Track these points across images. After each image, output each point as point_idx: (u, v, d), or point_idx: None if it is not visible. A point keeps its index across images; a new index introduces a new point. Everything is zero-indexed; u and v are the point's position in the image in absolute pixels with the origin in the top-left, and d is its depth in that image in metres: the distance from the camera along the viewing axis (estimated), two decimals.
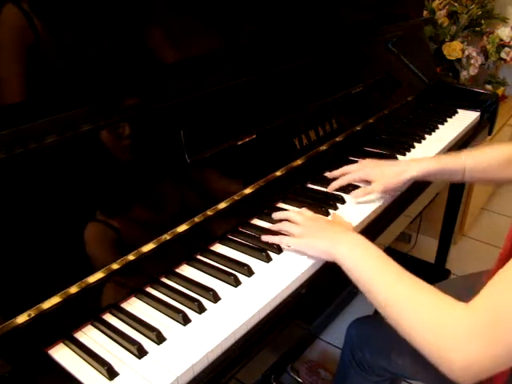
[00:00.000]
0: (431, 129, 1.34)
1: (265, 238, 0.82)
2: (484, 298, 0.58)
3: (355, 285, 0.70)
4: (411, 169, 0.94)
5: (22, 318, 0.60)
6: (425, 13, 1.88)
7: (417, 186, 1.03)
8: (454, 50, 1.93)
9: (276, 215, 0.88)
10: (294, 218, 0.83)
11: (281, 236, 0.81)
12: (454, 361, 0.57)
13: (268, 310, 0.70)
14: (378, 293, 0.66)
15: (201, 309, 0.69)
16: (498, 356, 0.55)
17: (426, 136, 1.30)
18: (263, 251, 0.80)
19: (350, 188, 0.98)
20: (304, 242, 0.78)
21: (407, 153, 1.19)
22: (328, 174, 1.04)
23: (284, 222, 0.84)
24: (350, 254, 0.71)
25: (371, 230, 0.92)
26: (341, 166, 1.10)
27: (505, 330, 0.54)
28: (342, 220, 0.86)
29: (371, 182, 0.96)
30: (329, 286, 0.82)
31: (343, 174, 1.00)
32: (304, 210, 0.87)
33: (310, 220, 0.81)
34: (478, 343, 0.55)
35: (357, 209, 0.93)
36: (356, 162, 1.14)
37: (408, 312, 0.62)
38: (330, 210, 0.92)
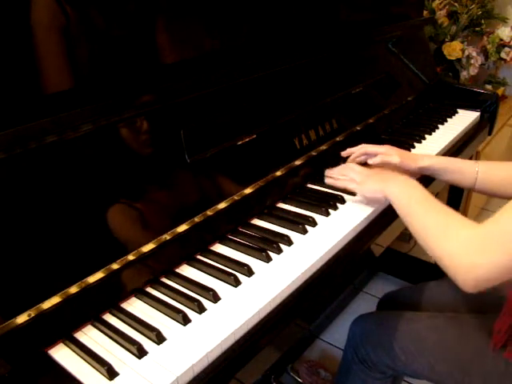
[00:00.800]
0: (431, 129, 1.34)
1: (329, 181, 0.99)
2: (493, 218, 0.68)
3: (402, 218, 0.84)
4: (427, 159, 1.01)
5: (22, 318, 0.60)
6: (425, 13, 1.88)
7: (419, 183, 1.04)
8: (454, 50, 1.93)
9: (334, 171, 1.00)
10: (352, 170, 0.96)
11: (343, 181, 0.96)
12: (460, 264, 0.69)
13: (268, 310, 0.70)
14: (416, 222, 0.79)
15: (201, 309, 0.69)
16: (500, 264, 0.65)
17: (426, 136, 1.30)
18: (263, 251, 0.80)
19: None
20: (363, 185, 0.91)
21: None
22: (344, 153, 1.08)
23: (346, 172, 0.96)
24: (400, 191, 0.84)
25: (371, 229, 0.92)
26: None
27: (508, 240, 0.65)
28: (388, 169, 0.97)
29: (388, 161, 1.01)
30: (329, 285, 0.81)
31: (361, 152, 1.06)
32: (353, 164, 1.00)
33: (364, 170, 0.95)
34: (483, 251, 0.67)
35: (357, 209, 0.93)
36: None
37: (433, 234, 0.75)
38: (330, 210, 0.92)
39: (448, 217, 0.76)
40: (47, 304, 0.63)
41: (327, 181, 1.00)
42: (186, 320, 0.67)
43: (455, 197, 1.70)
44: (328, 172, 1.02)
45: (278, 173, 0.97)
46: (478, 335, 0.87)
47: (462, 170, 0.97)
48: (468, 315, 0.95)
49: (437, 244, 0.74)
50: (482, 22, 2.06)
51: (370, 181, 0.91)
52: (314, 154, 1.06)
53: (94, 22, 0.72)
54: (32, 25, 0.64)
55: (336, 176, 0.99)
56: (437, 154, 1.18)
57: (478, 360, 0.85)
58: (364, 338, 1.00)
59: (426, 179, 1.10)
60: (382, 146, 1.04)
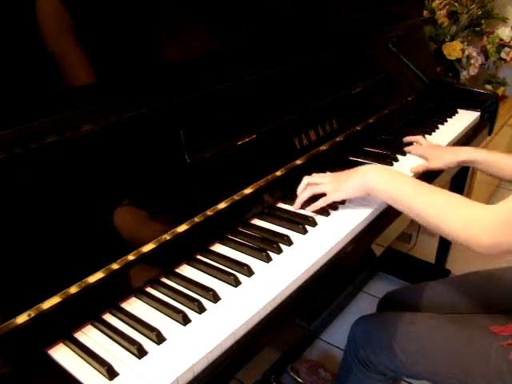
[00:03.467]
0: (431, 129, 1.34)
1: (310, 208, 0.90)
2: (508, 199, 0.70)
3: (392, 206, 0.84)
4: (464, 153, 1.09)
5: (21, 318, 0.60)
6: (425, 13, 1.88)
7: None
8: (454, 49, 1.93)
9: (301, 187, 0.94)
10: (318, 180, 0.92)
11: (321, 199, 0.90)
12: (482, 241, 0.71)
13: (268, 310, 0.70)
14: (418, 205, 0.78)
15: (201, 309, 0.69)
16: None
17: (427, 136, 1.29)
18: (263, 251, 0.80)
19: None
20: (340, 191, 0.89)
21: (407, 153, 1.19)
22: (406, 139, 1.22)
23: (313, 186, 0.92)
24: (380, 178, 0.84)
25: (372, 229, 0.92)
26: (341, 166, 1.12)
27: None
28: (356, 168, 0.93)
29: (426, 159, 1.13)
30: (329, 285, 0.81)
31: (415, 140, 1.20)
32: (319, 174, 0.96)
33: (332, 176, 0.93)
34: (503, 228, 0.69)
35: (357, 209, 0.93)
36: (356, 161, 1.15)
37: (446, 214, 0.75)
38: (330, 210, 0.92)
39: (444, 192, 0.78)
40: (47, 304, 0.63)
41: (296, 206, 0.93)
42: (185, 320, 0.67)
43: None
44: (298, 200, 0.94)
45: (278, 173, 0.97)
46: (479, 335, 0.87)
47: (501, 162, 1.05)
48: (468, 315, 0.95)
49: (453, 226, 0.74)
50: (482, 22, 2.06)
51: (342, 184, 0.89)
52: (314, 153, 1.06)
53: (95, 22, 0.72)
54: (33, 24, 0.64)
55: (305, 197, 0.92)
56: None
57: (480, 360, 0.85)
58: (364, 339, 1.00)
59: (428, 176, 1.10)
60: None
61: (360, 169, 0.89)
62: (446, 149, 1.18)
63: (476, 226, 0.71)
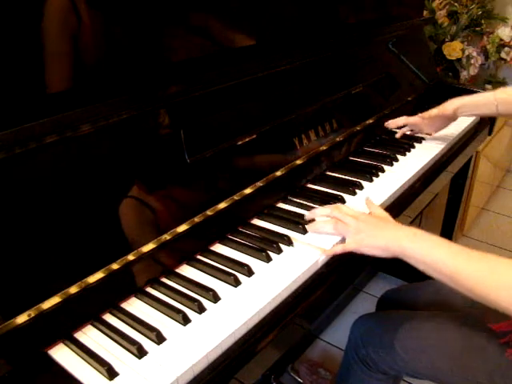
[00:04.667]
0: None
1: (333, 250, 0.80)
2: None
3: (423, 271, 0.74)
4: (448, 106, 1.16)
5: (22, 318, 0.60)
6: (425, 13, 1.88)
7: (419, 184, 1.08)
8: (454, 49, 1.93)
9: (314, 213, 0.87)
10: (341, 218, 0.81)
11: (340, 246, 0.80)
12: None
13: (268, 310, 0.70)
14: (459, 273, 0.70)
15: (201, 309, 0.69)
16: None
17: (427, 136, 1.29)
18: (263, 251, 0.80)
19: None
20: (361, 243, 0.78)
21: (407, 152, 1.19)
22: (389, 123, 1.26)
23: (337, 225, 0.81)
24: (415, 246, 0.74)
25: None
26: (341, 166, 1.13)
27: None
28: (378, 211, 0.85)
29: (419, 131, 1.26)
30: (329, 285, 0.81)
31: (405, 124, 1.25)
32: (340, 205, 0.86)
33: (356, 219, 0.80)
34: None
35: (357, 209, 0.93)
36: (356, 161, 1.16)
37: (492, 281, 0.67)
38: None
39: (498, 263, 0.69)
40: (47, 304, 0.63)
41: (309, 228, 0.86)
42: (185, 320, 0.67)
43: (455, 197, 1.70)
44: (309, 215, 0.88)
45: (278, 173, 0.97)
46: (478, 331, 0.88)
47: (481, 100, 1.13)
48: (467, 312, 0.95)
49: (504, 294, 0.67)
50: (482, 21, 2.06)
51: (367, 233, 0.78)
52: (314, 154, 1.06)
53: (96, 22, 0.72)
54: (32, 23, 0.64)
55: (319, 216, 0.86)
56: (437, 154, 1.19)
57: (480, 356, 0.85)
58: (365, 338, 1.00)
59: (427, 177, 1.11)
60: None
61: (391, 232, 0.77)
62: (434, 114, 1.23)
63: None
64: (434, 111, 1.19)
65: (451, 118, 1.19)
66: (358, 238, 0.78)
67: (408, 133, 1.27)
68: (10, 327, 0.59)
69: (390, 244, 0.76)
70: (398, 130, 1.27)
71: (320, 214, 0.86)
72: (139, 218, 0.75)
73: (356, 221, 0.80)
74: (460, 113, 1.17)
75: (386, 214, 0.84)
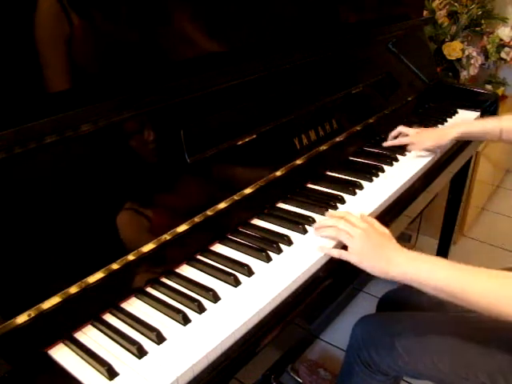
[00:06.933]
0: None
1: (330, 251, 0.80)
2: None
3: (428, 293, 0.74)
4: (452, 131, 1.13)
5: (22, 318, 0.60)
6: (425, 13, 1.88)
7: (419, 184, 1.08)
8: (454, 49, 1.93)
9: (322, 225, 0.85)
10: (348, 231, 0.80)
11: (341, 251, 0.80)
12: None
13: (268, 310, 0.70)
14: (466, 292, 0.70)
15: (201, 309, 0.69)
16: None
17: None
18: (263, 251, 0.80)
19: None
20: (363, 262, 0.78)
21: (407, 152, 1.19)
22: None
23: (340, 232, 0.80)
24: (417, 271, 0.74)
25: None
26: (341, 166, 1.13)
27: None
28: (376, 224, 0.83)
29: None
30: (329, 285, 0.81)
31: (399, 133, 1.21)
32: (347, 216, 0.83)
33: (360, 232, 0.79)
34: None
35: (357, 209, 0.93)
36: (356, 161, 1.16)
37: (504, 297, 0.67)
38: (331, 210, 0.92)
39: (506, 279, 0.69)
40: (47, 304, 0.63)
41: (316, 232, 0.86)
42: (185, 320, 0.67)
43: (455, 197, 1.70)
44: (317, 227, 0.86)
45: (278, 173, 0.97)
46: (480, 332, 0.88)
47: (488, 126, 1.10)
48: (467, 312, 0.95)
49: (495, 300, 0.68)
50: (482, 21, 2.06)
51: (369, 255, 0.78)
52: (314, 154, 1.06)
53: (96, 22, 0.72)
54: (31, 22, 0.64)
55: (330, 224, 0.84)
56: (437, 154, 1.19)
57: (482, 357, 0.85)
58: (366, 339, 0.99)
59: (427, 177, 1.10)
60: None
61: (392, 257, 0.76)
62: (431, 132, 1.20)
63: None
64: (430, 144, 1.14)
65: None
66: (361, 255, 0.78)
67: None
68: (10, 327, 0.59)
69: (391, 269, 0.76)
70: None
71: (327, 226, 0.84)
72: (139, 217, 0.75)
73: (360, 233, 0.79)
74: (462, 138, 1.15)
75: (385, 229, 0.83)
